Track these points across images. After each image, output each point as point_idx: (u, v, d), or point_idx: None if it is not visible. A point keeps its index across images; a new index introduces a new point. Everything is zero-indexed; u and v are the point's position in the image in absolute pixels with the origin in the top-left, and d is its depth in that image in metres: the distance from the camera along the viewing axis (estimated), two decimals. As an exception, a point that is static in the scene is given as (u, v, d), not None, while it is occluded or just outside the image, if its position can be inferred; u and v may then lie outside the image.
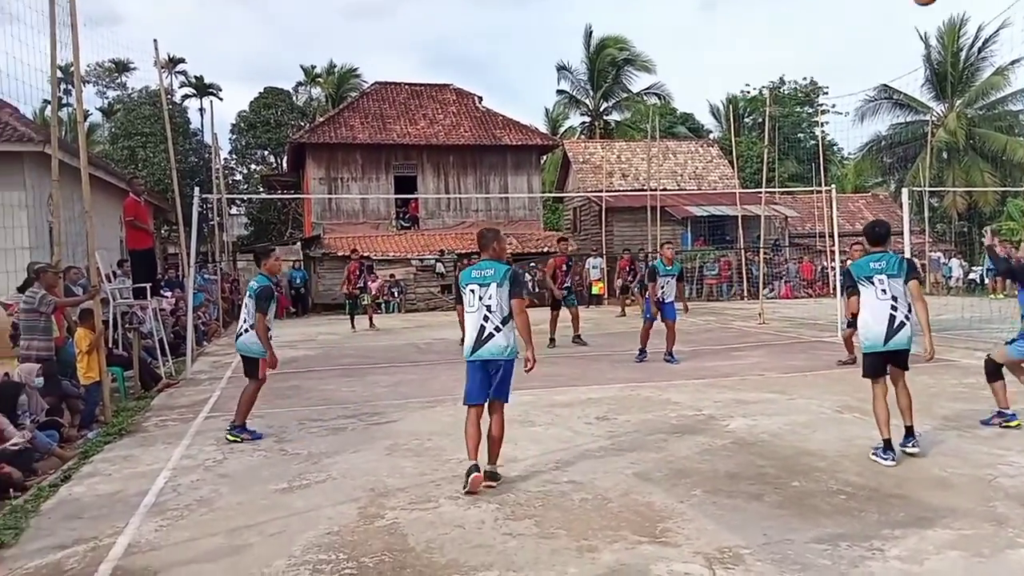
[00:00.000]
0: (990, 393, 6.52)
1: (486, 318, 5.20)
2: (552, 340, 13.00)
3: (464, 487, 5.03)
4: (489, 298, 5.21)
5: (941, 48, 35.82)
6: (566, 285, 13.26)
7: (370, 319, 18.25)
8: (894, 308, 5.65)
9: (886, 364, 5.75)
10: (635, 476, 5.33)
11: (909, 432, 5.70)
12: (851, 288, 5.90)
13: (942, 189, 32.95)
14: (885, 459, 5.50)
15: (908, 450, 5.63)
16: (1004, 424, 6.41)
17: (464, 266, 10.35)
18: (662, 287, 11.01)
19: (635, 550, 4.02)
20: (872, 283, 5.73)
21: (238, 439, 6.74)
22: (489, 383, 5.23)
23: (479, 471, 5.10)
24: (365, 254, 22.48)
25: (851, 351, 10.15)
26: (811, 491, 4.90)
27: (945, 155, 35.50)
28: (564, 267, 13.39)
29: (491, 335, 5.18)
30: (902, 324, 5.65)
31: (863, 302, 5.78)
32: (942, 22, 35.75)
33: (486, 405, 5.28)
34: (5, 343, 8.33)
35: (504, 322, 5.20)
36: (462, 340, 5.88)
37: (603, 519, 4.49)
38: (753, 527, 4.28)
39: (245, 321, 6.95)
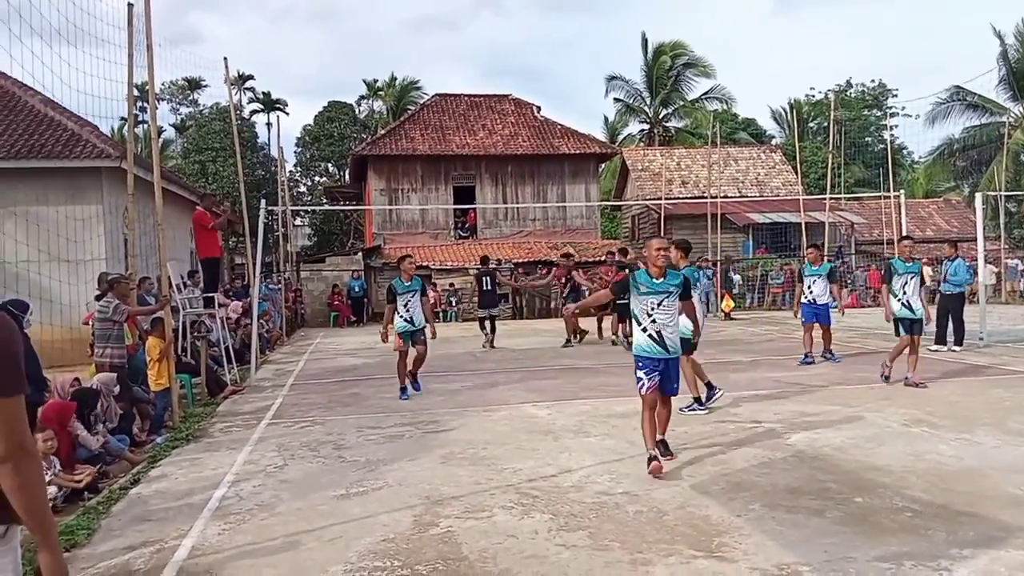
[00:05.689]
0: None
1: None
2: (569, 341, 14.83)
3: None
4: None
5: (1020, 46, 34.29)
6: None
7: (490, 340, 15.20)
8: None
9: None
10: (692, 489, 5.26)
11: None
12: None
13: (1019, 193, 31.49)
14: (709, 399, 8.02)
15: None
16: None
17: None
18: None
19: (690, 564, 3.96)
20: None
21: None
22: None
23: None
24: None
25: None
26: (875, 507, 4.74)
27: (1023, 158, 33.95)
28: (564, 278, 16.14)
29: None
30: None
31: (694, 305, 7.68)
32: (1021, 19, 34.35)
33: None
34: (84, 351, 8.71)
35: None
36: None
37: (658, 532, 4.44)
38: (813, 544, 4.17)
39: None
